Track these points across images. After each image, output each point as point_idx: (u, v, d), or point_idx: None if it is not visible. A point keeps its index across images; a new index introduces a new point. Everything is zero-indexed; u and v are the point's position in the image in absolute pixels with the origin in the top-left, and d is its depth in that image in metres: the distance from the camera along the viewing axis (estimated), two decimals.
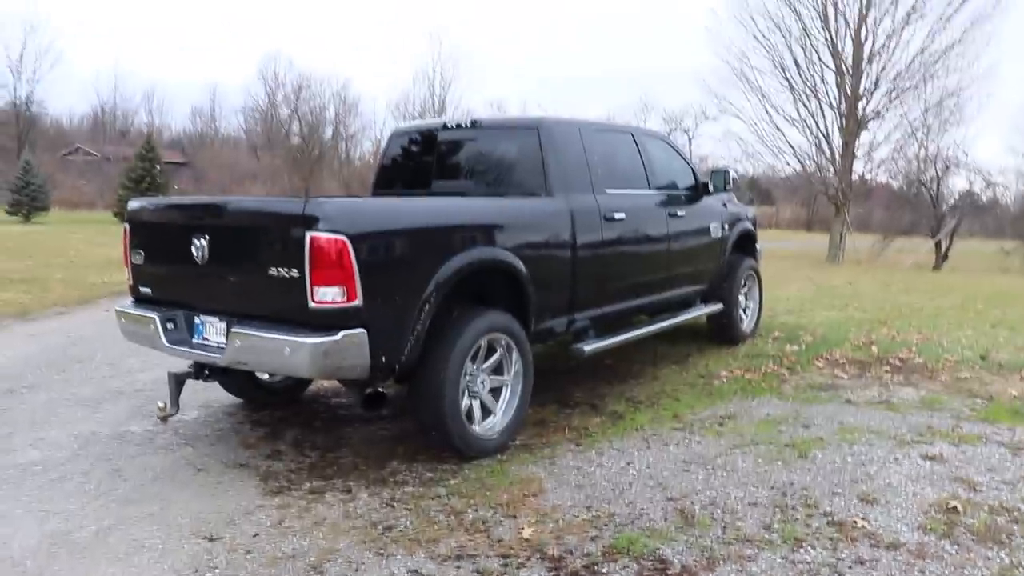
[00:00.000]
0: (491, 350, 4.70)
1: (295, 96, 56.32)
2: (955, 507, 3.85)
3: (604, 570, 3.25)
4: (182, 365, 4.90)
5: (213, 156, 57.12)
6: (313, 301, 3.85)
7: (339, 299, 3.85)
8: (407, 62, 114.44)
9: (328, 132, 56.30)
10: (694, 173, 7.16)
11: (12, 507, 3.95)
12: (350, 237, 3.83)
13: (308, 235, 3.82)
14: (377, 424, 5.34)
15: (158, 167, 32.21)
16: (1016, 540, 3.53)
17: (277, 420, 5.42)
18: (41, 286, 11.88)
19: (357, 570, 3.28)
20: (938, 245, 26.57)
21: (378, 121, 79.75)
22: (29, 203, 29.80)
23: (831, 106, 22.96)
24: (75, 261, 15.79)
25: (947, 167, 26.61)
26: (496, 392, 4.79)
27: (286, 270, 3.93)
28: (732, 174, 7.11)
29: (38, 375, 6.67)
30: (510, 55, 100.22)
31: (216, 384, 5.44)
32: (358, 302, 3.87)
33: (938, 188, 27.30)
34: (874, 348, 7.51)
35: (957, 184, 31.76)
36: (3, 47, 72.75)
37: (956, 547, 3.46)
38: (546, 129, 5.41)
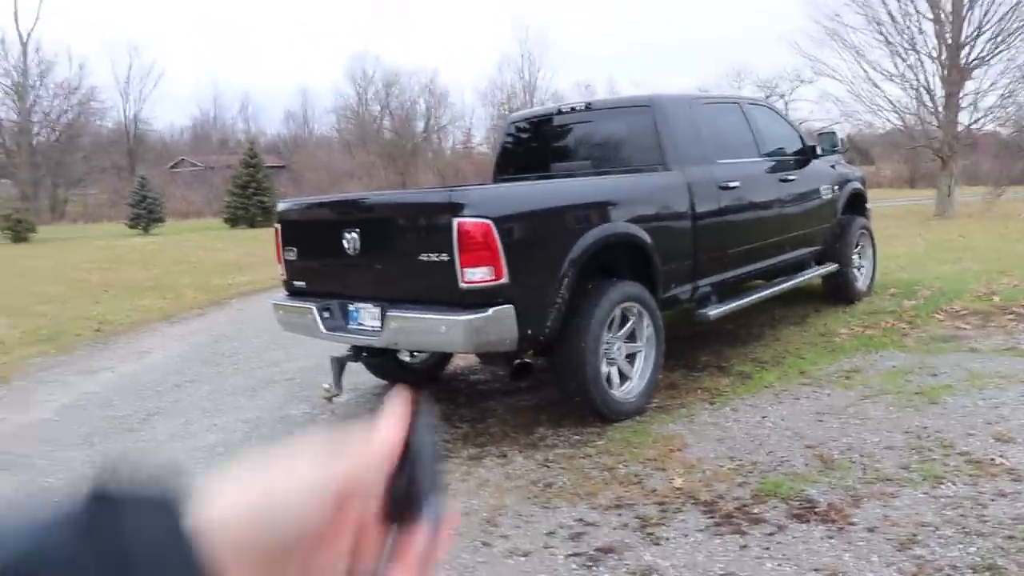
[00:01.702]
0: (624, 319, 4.99)
1: (385, 92, 57.54)
2: None
3: (756, 511, 3.52)
4: (339, 350, 5.34)
5: (308, 157, 58.63)
6: (463, 281, 4.21)
7: (487, 278, 4.20)
8: (492, 48, 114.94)
9: (420, 125, 57.32)
10: (801, 137, 7.28)
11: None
12: (494, 220, 4.18)
13: (455, 221, 4.18)
14: (518, 396, 5.69)
15: (262, 173, 33.40)
16: None
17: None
18: (174, 292, 12.66)
19: (527, 521, 3.63)
20: None
21: (467, 111, 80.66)
22: (147, 216, 31.36)
23: (931, 57, 22.29)
24: (197, 267, 16.66)
25: None
26: (631, 358, 5.08)
27: (436, 255, 4.30)
28: (840, 136, 7.19)
29: (195, 370, 7.26)
30: (595, 33, 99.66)
31: (362, 369, 5.88)
32: (505, 280, 4.22)
33: None
34: (996, 298, 7.49)
35: None
36: (111, 70, 76.36)
37: None
38: (659, 105, 5.66)
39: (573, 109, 6.20)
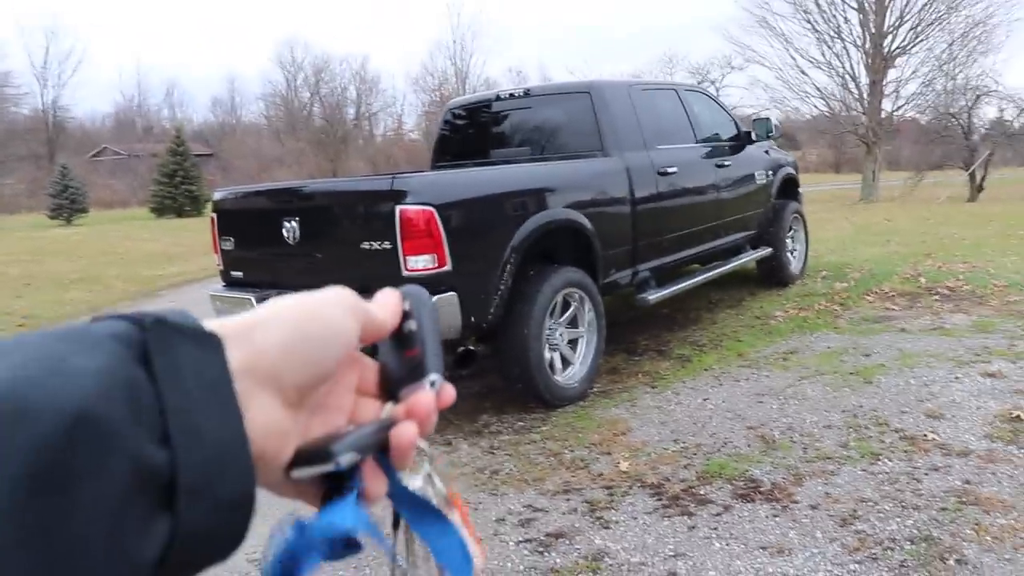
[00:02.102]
0: (566, 305, 5.01)
1: (315, 79, 56.72)
2: (1018, 416, 4.12)
3: (702, 492, 3.57)
4: None
5: (237, 145, 57.56)
6: (406, 269, 4.17)
7: (430, 266, 4.17)
8: (424, 34, 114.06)
9: (351, 112, 56.66)
10: (736, 124, 7.39)
11: None
12: (436, 207, 4.14)
13: (398, 208, 4.13)
14: (460, 383, 5.66)
15: (189, 161, 32.67)
16: None
17: None
18: (101, 284, 12.30)
19: (476, 509, 3.62)
20: (972, 176, 26.42)
21: (398, 97, 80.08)
22: (69, 206, 30.42)
23: (856, 45, 22.89)
24: (124, 258, 16.21)
25: (977, 97, 26.38)
26: (573, 344, 5.11)
27: (378, 243, 4.25)
28: (775, 122, 7.32)
29: None
30: (528, 20, 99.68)
31: None
32: (448, 267, 4.19)
33: (969, 119, 27.08)
34: (922, 279, 7.72)
35: (988, 114, 31.36)
36: (27, 55, 73.42)
37: (1023, 451, 3.74)
38: (598, 92, 5.68)
39: (512, 95, 6.17)
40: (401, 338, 0.55)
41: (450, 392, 0.54)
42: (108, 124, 67.27)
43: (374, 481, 0.51)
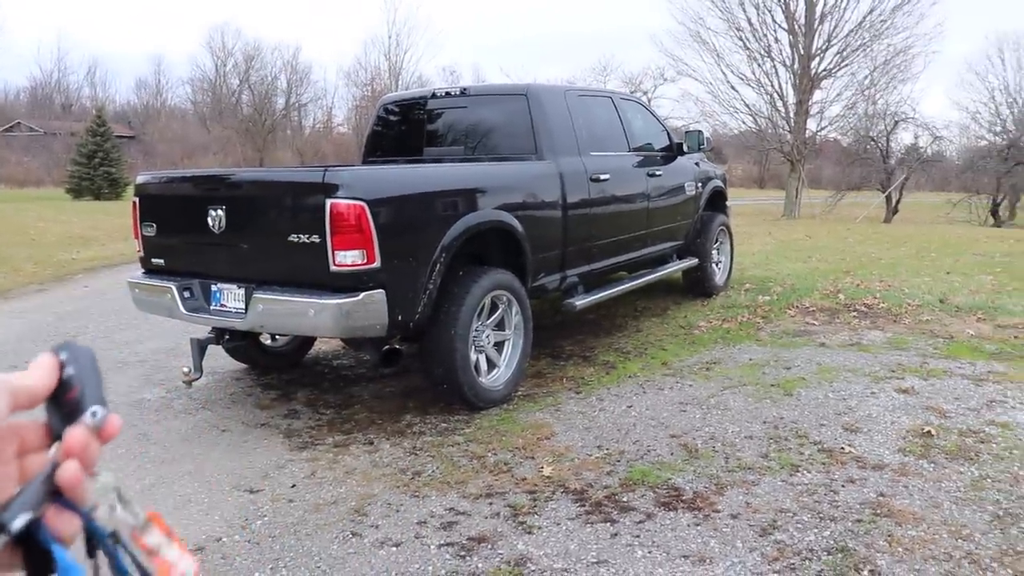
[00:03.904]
0: (494, 307, 4.98)
1: (245, 66, 55.47)
2: (929, 432, 4.24)
3: (625, 499, 3.58)
4: (200, 332, 5.10)
5: (161, 129, 55.96)
6: (334, 264, 4.09)
7: (359, 261, 4.09)
8: (358, 27, 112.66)
9: (280, 102, 55.56)
10: (668, 134, 7.47)
11: None
12: (368, 203, 4.07)
13: (328, 202, 4.04)
14: (383, 382, 5.60)
15: (110, 142, 31.63)
16: (983, 457, 3.93)
17: (286, 383, 5.64)
18: (9, 264, 11.80)
19: (397, 511, 3.56)
20: (888, 199, 27.33)
21: (329, 89, 79.01)
22: None
23: (785, 65, 23.44)
24: (36, 239, 15.59)
25: (896, 123, 27.30)
26: (499, 346, 5.08)
27: (307, 236, 4.15)
28: (706, 134, 7.42)
29: (35, 350, 6.74)
30: (463, 19, 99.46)
31: (220, 351, 5.63)
32: (377, 264, 4.12)
33: (887, 143, 28.01)
34: (841, 296, 7.92)
35: (904, 139, 32.48)
36: None
37: (933, 465, 3.85)
38: (534, 95, 5.67)
39: (448, 94, 6.12)
40: (61, 387, 0.58)
41: (114, 421, 0.58)
42: (23, 99, 64.76)
43: (62, 524, 0.54)
